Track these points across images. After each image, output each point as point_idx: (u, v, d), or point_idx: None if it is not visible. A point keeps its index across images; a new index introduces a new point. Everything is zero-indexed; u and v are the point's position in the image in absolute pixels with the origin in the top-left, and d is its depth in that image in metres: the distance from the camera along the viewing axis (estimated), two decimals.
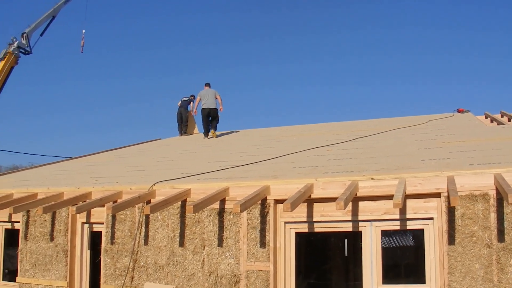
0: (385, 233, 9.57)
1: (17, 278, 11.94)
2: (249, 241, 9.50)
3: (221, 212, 9.82)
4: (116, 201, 10.75)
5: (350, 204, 8.79)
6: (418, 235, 10.70)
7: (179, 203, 10.16)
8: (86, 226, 11.65)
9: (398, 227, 8.99)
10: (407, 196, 8.51)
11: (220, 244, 9.73)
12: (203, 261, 9.83)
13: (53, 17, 29.07)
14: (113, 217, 10.88)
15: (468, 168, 8.67)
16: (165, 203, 9.67)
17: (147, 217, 10.49)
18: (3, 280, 12.81)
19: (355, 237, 13.31)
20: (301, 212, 9.28)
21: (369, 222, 8.98)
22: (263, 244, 9.38)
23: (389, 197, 8.32)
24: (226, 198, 9.81)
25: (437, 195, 8.49)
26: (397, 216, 8.75)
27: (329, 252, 14.52)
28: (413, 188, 8.58)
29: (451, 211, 8.27)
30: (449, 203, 8.02)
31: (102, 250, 11.01)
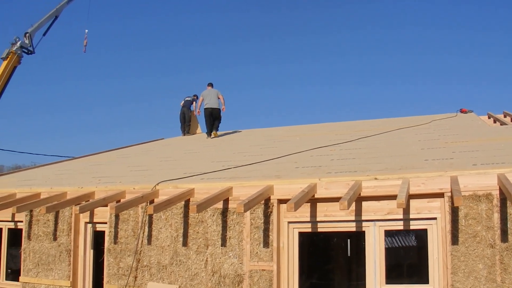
0: (388, 233, 9.56)
1: (20, 278, 11.96)
2: (252, 240, 9.50)
3: (224, 212, 9.82)
4: (119, 201, 10.76)
5: (353, 204, 8.79)
6: (421, 235, 10.67)
7: (183, 202, 10.17)
8: (89, 225, 11.66)
9: (401, 227, 8.98)
10: (411, 196, 8.51)
11: (224, 243, 9.73)
12: (207, 260, 9.83)
13: (56, 17, 29.03)
14: (116, 216, 10.89)
15: (472, 168, 8.66)
16: (168, 203, 9.67)
17: (150, 216, 10.50)
18: (6, 279, 12.82)
19: (357, 237, 13.31)
20: (304, 212, 9.28)
21: (373, 222, 8.97)
22: (266, 244, 9.38)
23: (393, 197, 8.32)
24: (230, 198, 9.82)
25: (440, 195, 8.49)
26: (401, 216, 8.75)
27: (332, 252, 14.50)
28: (417, 188, 8.57)
29: (454, 211, 8.27)
30: (452, 203, 8.00)
31: (105, 250, 11.02)
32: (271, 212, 9.45)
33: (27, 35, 27.75)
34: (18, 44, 27.33)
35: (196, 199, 10.01)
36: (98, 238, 11.64)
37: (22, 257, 12.02)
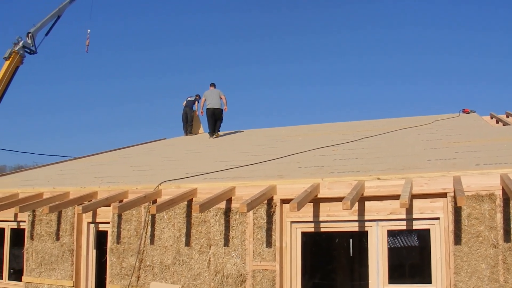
0: (390, 233, 9.56)
1: (23, 278, 11.97)
2: (255, 240, 9.50)
3: (227, 212, 9.83)
4: (122, 201, 10.76)
5: (356, 204, 8.79)
6: (424, 235, 10.68)
7: (185, 202, 10.17)
8: (92, 225, 11.67)
9: (404, 227, 8.98)
10: (414, 196, 8.51)
11: (226, 243, 9.73)
12: (209, 260, 9.84)
13: (58, 17, 29.05)
14: (119, 216, 10.90)
15: (474, 168, 8.66)
16: (171, 203, 9.68)
17: (153, 216, 10.50)
18: (9, 279, 12.83)
19: (360, 237, 13.32)
20: (307, 212, 9.29)
21: (375, 222, 8.97)
22: (269, 243, 9.39)
23: (396, 197, 8.32)
24: (232, 197, 9.82)
25: (443, 195, 8.49)
26: (403, 216, 8.75)
27: (334, 252, 14.51)
28: (420, 188, 8.57)
29: (457, 211, 8.26)
30: (455, 203, 8.01)
31: (108, 250, 11.03)
32: (274, 212, 9.45)
33: (30, 35, 27.76)
34: (21, 44, 27.34)
35: (199, 199, 10.02)
36: (101, 238, 11.65)
37: (25, 257, 12.03)
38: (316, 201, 9.28)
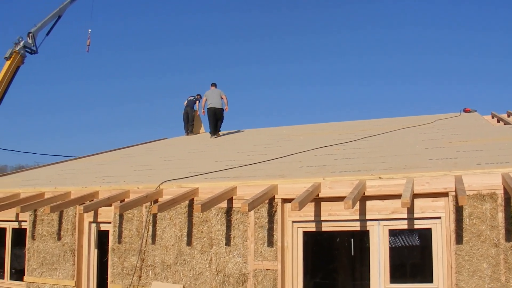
0: (391, 233, 9.56)
1: (25, 278, 11.98)
2: (256, 240, 9.51)
3: (228, 211, 9.83)
4: (123, 200, 10.77)
5: (357, 203, 8.80)
6: (425, 234, 10.68)
7: (187, 202, 10.18)
8: (94, 225, 11.67)
9: (405, 227, 8.98)
10: (415, 196, 8.51)
11: (228, 243, 9.74)
12: (211, 260, 9.84)
13: (59, 17, 29.05)
14: (121, 216, 10.90)
15: (476, 168, 8.66)
16: (172, 202, 9.68)
17: (154, 216, 10.51)
18: (10, 279, 12.84)
19: (361, 236, 13.32)
20: (308, 211, 9.29)
21: (377, 221, 8.97)
22: (270, 243, 9.39)
23: (397, 196, 8.33)
24: (234, 197, 9.83)
25: (445, 194, 8.49)
26: (405, 216, 8.75)
27: (336, 252, 14.51)
28: (421, 188, 8.58)
29: (458, 210, 8.27)
30: (457, 202, 8.01)
31: (109, 249, 11.03)
32: (276, 211, 9.45)
33: (31, 34, 27.76)
34: (21, 44, 27.34)
35: (200, 198, 10.02)
36: (102, 238, 11.65)
37: (26, 257, 12.04)
38: (318, 201, 9.28)
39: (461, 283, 8.11)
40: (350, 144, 13.00)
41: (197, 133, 22.28)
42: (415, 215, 8.70)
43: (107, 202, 10.77)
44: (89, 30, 29.83)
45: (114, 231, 10.98)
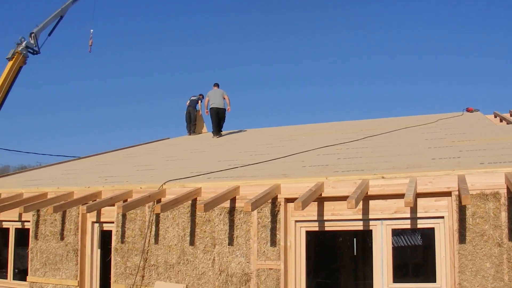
0: (394, 232, 9.55)
1: (28, 278, 12.00)
2: (259, 239, 9.51)
3: (231, 211, 9.83)
4: (126, 200, 10.79)
5: (360, 203, 8.79)
6: (428, 234, 10.67)
7: (190, 202, 10.18)
8: (96, 225, 11.68)
9: (408, 226, 8.98)
10: (418, 195, 8.50)
11: (231, 242, 9.74)
12: (214, 259, 9.84)
13: (61, 17, 29.04)
14: (123, 216, 10.91)
15: (479, 167, 8.65)
16: (175, 202, 9.69)
17: (157, 216, 10.51)
18: (13, 279, 12.86)
19: (364, 236, 13.31)
20: (311, 210, 9.29)
21: (380, 221, 8.97)
22: (273, 242, 9.39)
23: (400, 196, 8.33)
24: (237, 196, 9.83)
25: (448, 194, 8.48)
26: (408, 215, 8.75)
27: (338, 251, 14.50)
28: (424, 187, 8.57)
29: (462, 210, 8.26)
30: (460, 201, 8.00)
31: (112, 249, 11.05)
32: (278, 211, 9.45)
33: (33, 35, 27.76)
34: (24, 44, 27.34)
35: (203, 198, 10.03)
36: (105, 238, 11.66)
37: (29, 257, 12.05)
38: (321, 200, 9.28)
39: (464, 283, 8.10)
40: (353, 144, 13.00)
41: (199, 133, 22.30)
42: (418, 215, 8.69)
43: (110, 202, 10.78)
44: (91, 30, 29.83)
45: (117, 231, 10.98)
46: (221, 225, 9.86)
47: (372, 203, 8.99)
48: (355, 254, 14.36)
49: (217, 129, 19.34)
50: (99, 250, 11.68)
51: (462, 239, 8.20)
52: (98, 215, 11.53)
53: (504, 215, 8.02)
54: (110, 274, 11.08)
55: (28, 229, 12.29)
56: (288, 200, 9.46)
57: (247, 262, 9.57)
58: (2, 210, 11.77)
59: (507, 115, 16.72)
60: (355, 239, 14.29)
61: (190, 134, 21.94)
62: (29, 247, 12.12)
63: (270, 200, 9.43)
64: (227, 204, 9.80)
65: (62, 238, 11.70)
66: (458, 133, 13.06)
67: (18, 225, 12.72)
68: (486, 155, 9.64)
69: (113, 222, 11.16)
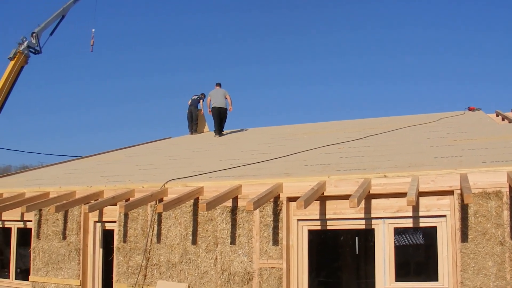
0: (396, 231, 9.55)
1: (30, 277, 12.00)
2: (261, 238, 9.51)
3: (233, 210, 9.83)
4: (128, 200, 10.79)
5: (363, 202, 8.78)
6: (430, 232, 10.67)
7: (192, 201, 10.18)
8: (99, 224, 11.69)
9: (411, 225, 8.97)
10: (420, 194, 8.49)
11: (233, 241, 9.74)
12: (216, 259, 9.85)
13: (63, 17, 29.10)
14: (126, 215, 10.91)
15: (481, 166, 8.65)
16: (177, 201, 9.69)
17: (159, 215, 10.51)
18: (16, 279, 12.87)
19: (366, 234, 13.31)
20: (313, 209, 9.28)
21: (382, 220, 8.97)
22: (275, 241, 9.39)
23: (402, 195, 8.33)
24: (239, 196, 9.83)
25: (450, 192, 8.48)
26: (410, 214, 8.74)
27: (340, 250, 14.51)
28: (426, 186, 8.56)
29: (464, 208, 8.25)
30: (462, 200, 8.01)
31: (114, 249, 11.05)
32: (281, 210, 9.45)
33: (34, 34, 27.82)
34: (25, 44, 27.40)
35: (205, 197, 10.03)
36: (107, 237, 11.68)
37: (32, 257, 12.05)
38: (323, 199, 9.28)
39: (466, 281, 8.10)
40: (355, 143, 13.00)
41: (201, 132, 22.30)
42: (420, 213, 8.68)
43: (112, 201, 10.77)
44: (93, 30, 29.88)
45: (119, 230, 10.99)
46: (223, 224, 9.86)
47: (374, 202, 8.98)
48: (357, 253, 14.37)
49: (219, 129, 19.36)
50: (101, 250, 11.68)
51: (464, 237, 8.20)
52: (100, 214, 11.54)
53: (506, 213, 8.02)
54: (112, 274, 11.08)
55: (30, 229, 12.29)
56: (290, 199, 9.46)
57: (249, 261, 9.57)
58: (4, 210, 11.80)
59: (509, 114, 16.70)
60: (357, 238, 14.30)
61: (191, 134, 21.95)
62: (31, 246, 12.12)
63: (272, 199, 9.43)
64: (229, 203, 9.80)
65: (64, 238, 11.70)
66: (460, 132, 13.06)
67: (20, 224, 12.73)
68: (488, 154, 9.64)
69: (115, 222, 11.16)
